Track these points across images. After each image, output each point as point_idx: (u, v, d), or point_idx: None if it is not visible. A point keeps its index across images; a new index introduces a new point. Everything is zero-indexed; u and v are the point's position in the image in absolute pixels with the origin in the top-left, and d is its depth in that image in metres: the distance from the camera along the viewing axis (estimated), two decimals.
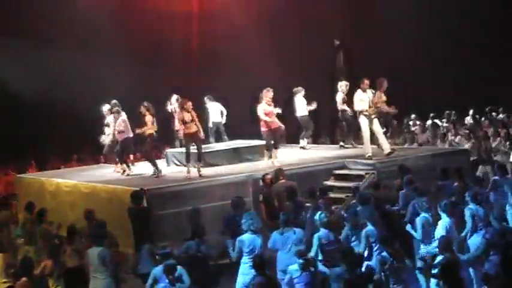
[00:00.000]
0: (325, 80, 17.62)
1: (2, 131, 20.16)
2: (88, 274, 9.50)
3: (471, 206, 10.05)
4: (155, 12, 22.21)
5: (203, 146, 14.37)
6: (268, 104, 14.14)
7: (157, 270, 8.90)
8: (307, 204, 11.42)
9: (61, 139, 20.50)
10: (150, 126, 13.87)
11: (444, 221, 9.49)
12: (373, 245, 9.45)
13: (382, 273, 8.59)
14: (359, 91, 13.94)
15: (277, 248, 9.57)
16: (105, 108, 15.57)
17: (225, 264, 10.40)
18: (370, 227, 9.67)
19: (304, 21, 22.36)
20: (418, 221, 9.94)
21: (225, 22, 22.06)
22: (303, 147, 16.55)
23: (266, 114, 14.07)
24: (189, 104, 13.60)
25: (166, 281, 8.47)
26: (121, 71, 20.44)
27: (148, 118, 13.90)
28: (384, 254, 8.73)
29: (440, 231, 9.42)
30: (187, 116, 13.41)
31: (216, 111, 17.04)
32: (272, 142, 14.37)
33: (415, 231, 9.94)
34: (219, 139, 17.01)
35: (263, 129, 14.21)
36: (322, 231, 9.48)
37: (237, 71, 21.69)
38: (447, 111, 21.50)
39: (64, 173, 16.69)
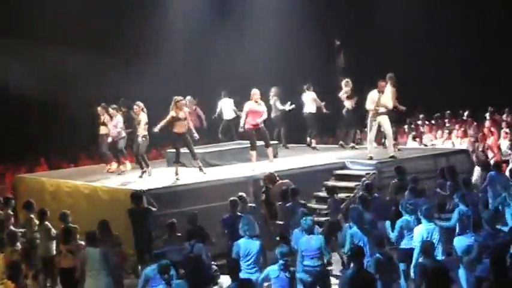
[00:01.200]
0: (325, 80, 17.61)
1: (9, 131, 20.18)
2: (82, 274, 9.46)
3: (461, 207, 10.02)
4: (155, 12, 22.18)
5: (209, 144, 14.29)
6: (256, 103, 14.00)
7: (149, 270, 8.92)
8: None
9: (67, 139, 20.52)
10: (143, 126, 13.86)
11: (425, 226, 9.31)
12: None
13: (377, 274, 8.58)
14: (374, 91, 13.89)
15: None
16: (99, 108, 15.57)
17: (225, 265, 10.40)
18: (354, 229, 9.64)
19: (304, 21, 22.35)
20: (398, 222, 9.90)
21: (224, 22, 22.06)
22: (310, 146, 16.50)
23: (251, 113, 13.93)
24: (182, 102, 13.51)
25: (163, 282, 8.38)
26: (123, 70, 20.43)
27: (142, 117, 13.87)
28: (378, 255, 8.71)
29: (419, 236, 9.24)
30: (180, 114, 13.30)
31: (228, 109, 16.92)
32: (256, 142, 14.19)
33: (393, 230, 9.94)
34: (229, 138, 16.89)
35: (247, 126, 13.95)
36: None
37: (237, 70, 21.68)
38: (435, 114, 21.51)
39: (64, 173, 16.67)
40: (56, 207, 14.00)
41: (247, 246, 9.30)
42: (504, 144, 16.92)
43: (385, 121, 13.84)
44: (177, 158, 13.50)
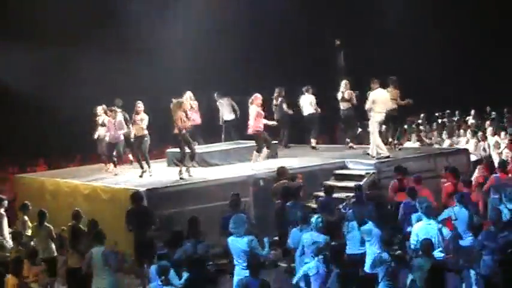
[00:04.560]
0: (325, 80, 17.65)
1: (6, 131, 20.20)
2: (90, 274, 9.49)
3: (456, 207, 9.96)
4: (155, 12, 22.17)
5: (209, 144, 14.29)
6: (260, 107, 14.00)
7: (153, 269, 8.93)
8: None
9: (65, 139, 20.53)
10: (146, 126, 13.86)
11: (425, 224, 9.26)
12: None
13: (378, 272, 8.56)
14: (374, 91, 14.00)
15: (296, 246, 9.62)
16: (99, 108, 15.56)
17: (224, 264, 10.43)
18: (369, 225, 9.55)
19: (304, 21, 22.39)
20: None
21: (223, 22, 22.07)
22: (314, 147, 16.49)
23: (259, 116, 13.88)
24: (187, 103, 13.55)
25: (159, 282, 8.41)
26: (122, 70, 20.44)
27: (144, 117, 13.88)
28: (385, 254, 8.66)
29: (419, 233, 9.17)
30: (183, 115, 13.30)
31: (227, 108, 16.90)
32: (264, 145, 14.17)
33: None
34: (229, 138, 16.89)
35: (255, 130, 13.93)
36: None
37: (236, 71, 21.71)
38: (439, 112, 21.55)
39: (64, 173, 16.68)
40: (56, 207, 14.06)
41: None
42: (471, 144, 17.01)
43: (370, 122, 13.82)
44: (182, 157, 13.52)
